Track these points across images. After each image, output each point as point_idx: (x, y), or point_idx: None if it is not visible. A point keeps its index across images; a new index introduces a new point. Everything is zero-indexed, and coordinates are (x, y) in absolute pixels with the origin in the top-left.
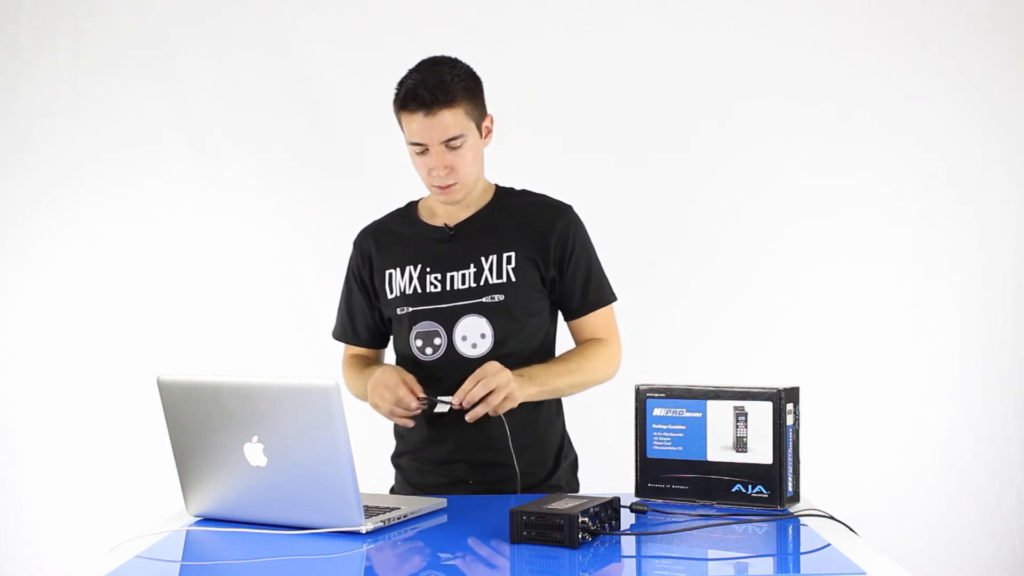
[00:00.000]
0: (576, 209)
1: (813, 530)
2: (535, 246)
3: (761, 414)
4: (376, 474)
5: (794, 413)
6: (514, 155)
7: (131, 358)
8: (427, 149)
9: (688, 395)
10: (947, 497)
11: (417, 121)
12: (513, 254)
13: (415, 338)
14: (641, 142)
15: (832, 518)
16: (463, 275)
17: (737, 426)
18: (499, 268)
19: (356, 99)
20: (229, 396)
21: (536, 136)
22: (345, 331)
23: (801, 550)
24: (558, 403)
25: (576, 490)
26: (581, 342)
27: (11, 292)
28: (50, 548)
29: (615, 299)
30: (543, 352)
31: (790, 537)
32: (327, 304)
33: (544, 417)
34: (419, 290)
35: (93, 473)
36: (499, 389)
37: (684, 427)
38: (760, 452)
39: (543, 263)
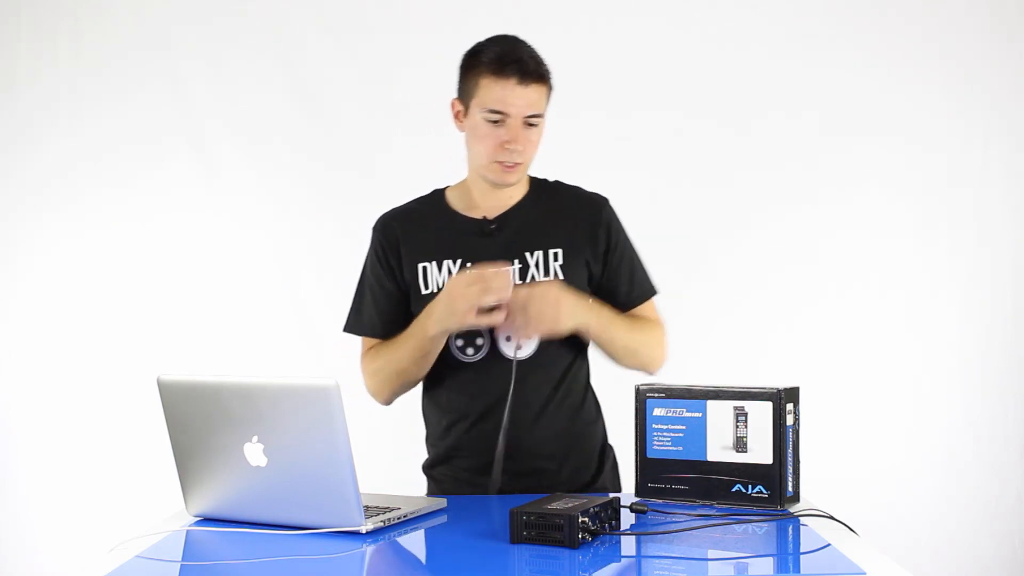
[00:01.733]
0: None
1: (813, 530)
2: (582, 243)
3: (761, 414)
4: (378, 474)
5: (794, 413)
6: None
7: (131, 358)
8: (504, 120)
9: (688, 395)
10: (947, 497)
11: (507, 88)
12: (560, 251)
13: (455, 337)
14: (641, 143)
15: (832, 518)
16: None
17: (737, 426)
18: (545, 265)
19: (356, 99)
20: (229, 396)
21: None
22: (361, 323)
23: (801, 550)
24: (597, 405)
25: (619, 492)
26: None
27: (11, 292)
28: (50, 548)
29: (656, 291)
30: (583, 352)
31: (790, 537)
32: (327, 304)
33: (584, 419)
34: None
35: (93, 473)
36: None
37: (684, 427)
38: (760, 452)
39: (592, 259)
